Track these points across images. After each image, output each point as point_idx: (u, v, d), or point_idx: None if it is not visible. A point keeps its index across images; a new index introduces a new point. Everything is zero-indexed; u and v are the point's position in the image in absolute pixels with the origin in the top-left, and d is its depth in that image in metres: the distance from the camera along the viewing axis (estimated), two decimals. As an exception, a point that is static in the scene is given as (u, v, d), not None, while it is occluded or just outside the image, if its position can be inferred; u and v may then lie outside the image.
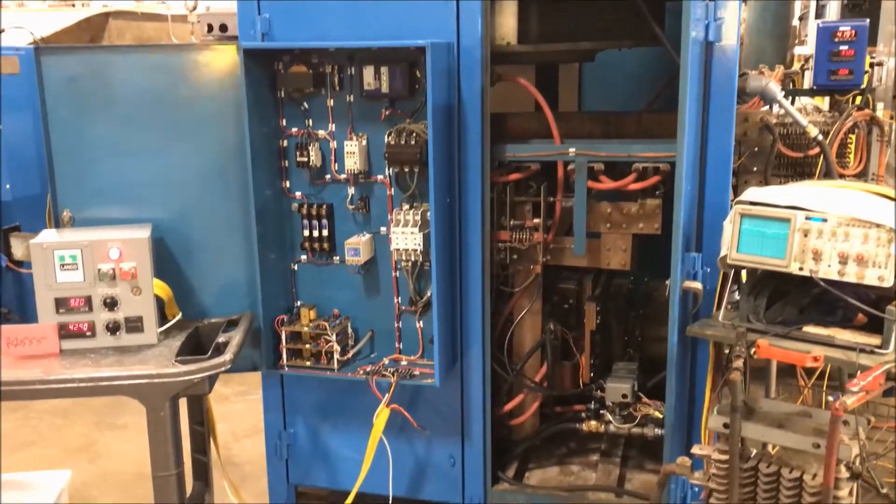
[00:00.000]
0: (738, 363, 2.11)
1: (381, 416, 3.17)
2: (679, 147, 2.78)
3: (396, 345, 3.39)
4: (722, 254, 2.37)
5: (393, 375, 3.19)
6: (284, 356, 3.32)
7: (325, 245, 3.34)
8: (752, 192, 2.39)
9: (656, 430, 3.48)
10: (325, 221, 3.32)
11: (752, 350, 2.20)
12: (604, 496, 3.44)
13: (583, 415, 3.66)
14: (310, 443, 3.63)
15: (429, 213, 3.14)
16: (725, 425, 2.16)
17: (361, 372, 3.25)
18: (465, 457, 3.46)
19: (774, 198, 2.30)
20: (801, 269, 2.24)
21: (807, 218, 2.24)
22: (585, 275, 3.83)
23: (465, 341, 3.33)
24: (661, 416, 3.44)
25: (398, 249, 3.16)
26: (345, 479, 3.58)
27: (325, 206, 3.31)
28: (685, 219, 2.82)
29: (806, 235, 2.24)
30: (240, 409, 4.88)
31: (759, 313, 2.32)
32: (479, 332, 3.30)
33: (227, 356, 2.78)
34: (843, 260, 2.20)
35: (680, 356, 2.58)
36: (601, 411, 3.55)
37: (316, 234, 3.33)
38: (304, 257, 3.40)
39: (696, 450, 2.26)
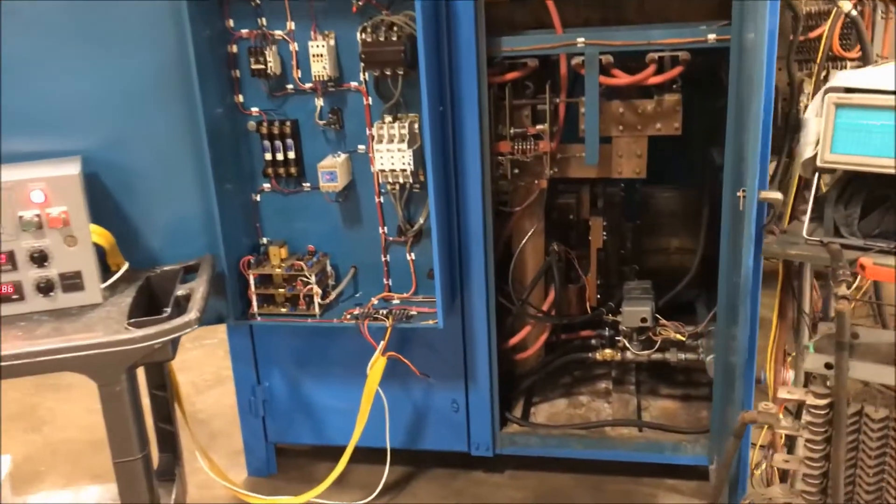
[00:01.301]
0: (844, 289, 1.72)
1: (377, 366, 2.73)
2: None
3: (385, 281, 2.92)
4: (807, 155, 1.94)
5: (387, 318, 2.73)
6: (255, 303, 2.83)
7: (292, 169, 2.81)
8: (845, 77, 1.94)
9: (680, 354, 3.13)
10: (289, 141, 2.78)
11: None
12: (626, 431, 3.09)
13: (592, 341, 3.29)
14: (289, 396, 3.18)
15: (417, 126, 2.64)
16: (828, 365, 1.78)
17: (349, 316, 2.79)
18: (470, 401, 3.06)
19: (878, 82, 1.87)
20: (919, 169, 1.83)
21: (926, 105, 1.82)
22: (582, 186, 3.40)
23: (465, 272, 2.88)
24: (682, 339, 3.10)
25: (383, 171, 2.66)
26: (333, 433, 3.17)
27: (288, 123, 2.76)
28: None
29: (925, 127, 1.82)
30: (197, 356, 4.38)
31: (851, 225, 1.92)
32: (482, 261, 2.85)
33: (192, 314, 2.27)
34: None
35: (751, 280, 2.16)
36: (616, 338, 3.18)
37: (280, 156, 2.80)
38: (267, 185, 2.87)
39: (784, 394, 1.88)
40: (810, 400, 1.83)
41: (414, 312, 2.78)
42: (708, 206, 3.39)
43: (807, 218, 1.97)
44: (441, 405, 3.07)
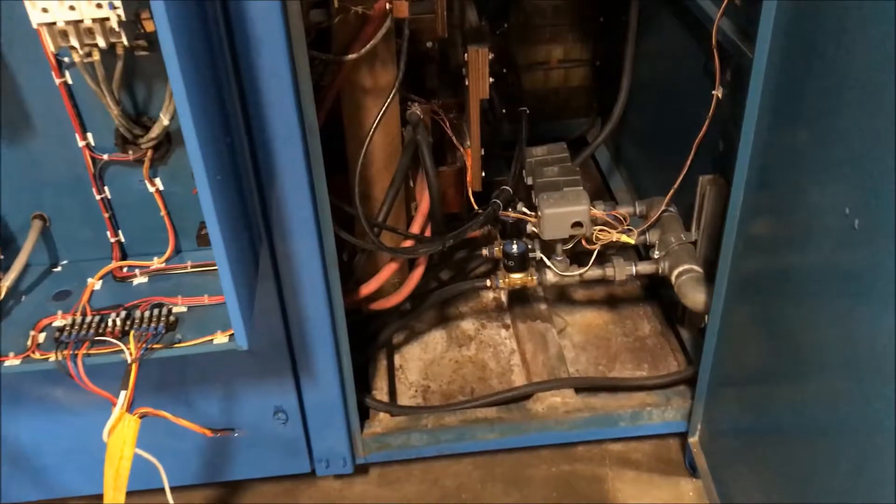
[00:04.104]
0: None
1: (120, 432, 1.34)
2: None
3: (111, 238, 1.46)
4: None
5: (125, 340, 1.31)
6: None
7: None
8: None
9: (629, 268, 1.96)
10: None
11: None
12: (558, 400, 1.95)
13: (484, 252, 2.05)
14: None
15: None
16: None
17: (41, 339, 1.34)
18: (305, 403, 1.77)
19: None
20: None
21: None
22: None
23: (270, 197, 1.48)
24: (631, 242, 1.93)
25: (51, 24, 1.13)
26: (73, 482, 1.83)
27: None
28: None
29: None
30: None
31: None
32: (302, 169, 1.46)
33: None
34: None
35: None
36: (530, 251, 1.95)
37: None
38: None
39: None
40: None
41: (181, 307, 1.38)
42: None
43: None
44: (258, 420, 1.76)
